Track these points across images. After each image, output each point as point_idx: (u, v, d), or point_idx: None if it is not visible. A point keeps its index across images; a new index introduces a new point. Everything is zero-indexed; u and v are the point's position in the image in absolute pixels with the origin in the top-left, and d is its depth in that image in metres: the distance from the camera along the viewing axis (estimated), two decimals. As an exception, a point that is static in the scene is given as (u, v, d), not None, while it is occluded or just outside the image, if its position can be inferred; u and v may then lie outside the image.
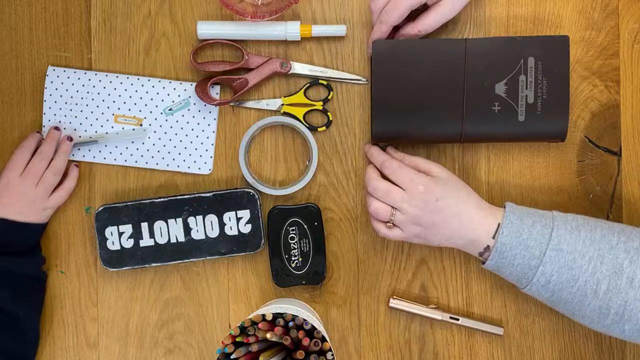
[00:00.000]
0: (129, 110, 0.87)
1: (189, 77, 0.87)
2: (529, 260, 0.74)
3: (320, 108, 0.86)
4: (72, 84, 0.87)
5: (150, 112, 0.87)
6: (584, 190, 0.86)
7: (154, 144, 0.87)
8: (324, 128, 0.86)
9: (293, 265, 0.85)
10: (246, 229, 0.85)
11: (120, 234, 0.85)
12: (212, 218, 0.85)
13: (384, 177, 0.79)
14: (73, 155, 0.87)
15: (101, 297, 0.88)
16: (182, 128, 0.87)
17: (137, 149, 0.87)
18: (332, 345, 0.86)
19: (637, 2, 0.85)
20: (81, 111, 0.87)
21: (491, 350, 0.86)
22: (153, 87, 0.87)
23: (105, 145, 0.87)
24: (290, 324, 0.75)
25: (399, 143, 0.84)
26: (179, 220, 0.85)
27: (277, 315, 0.75)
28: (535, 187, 0.86)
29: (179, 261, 0.85)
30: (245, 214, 0.84)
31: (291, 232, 0.85)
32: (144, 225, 0.85)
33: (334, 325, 0.87)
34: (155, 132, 0.87)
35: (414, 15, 0.80)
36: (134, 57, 0.87)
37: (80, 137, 0.86)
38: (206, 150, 0.86)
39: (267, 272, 0.87)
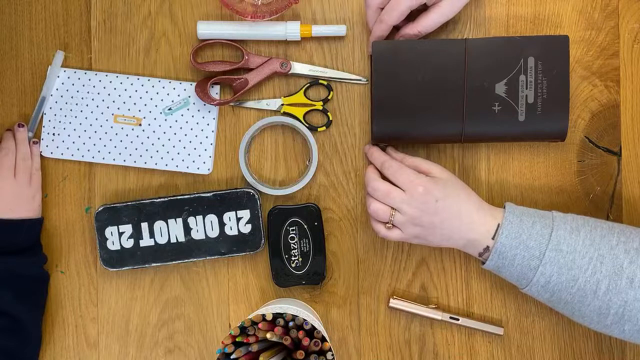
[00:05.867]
0: (129, 110, 0.87)
1: (189, 77, 0.87)
2: (528, 261, 0.74)
3: (320, 108, 0.86)
4: (72, 84, 0.87)
5: (150, 111, 0.87)
6: (584, 190, 0.86)
7: (153, 144, 0.87)
8: (324, 128, 0.86)
9: (293, 265, 0.85)
10: (246, 229, 0.85)
11: (120, 234, 0.85)
12: (212, 218, 0.85)
13: (384, 177, 0.79)
14: (72, 155, 0.87)
15: (101, 297, 0.88)
16: (181, 128, 0.87)
17: (137, 149, 0.87)
18: (332, 345, 0.86)
19: (637, 2, 0.85)
20: (81, 111, 0.87)
21: (491, 350, 0.86)
22: (153, 87, 0.87)
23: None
24: (290, 324, 0.75)
25: (399, 143, 0.84)
26: (179, 220, 0.85)
27: (277, 315, 0.75)
28: (535, 187, 0.86)
29: (179, 261, 0.85)
30: (245, 214, 0.84)
31: (291, 232, 0.85)
32: (144, 225, 0.85)
33: (334, 325, 0.87)
34: (154, 132, 0.87)
35: (414, 15, 0.80)
36: (134, 57, 0.87)
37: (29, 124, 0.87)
38: (205, 150, 0.86)
39: (267, 272, 0.87)
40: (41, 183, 0.86)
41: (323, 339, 0.74)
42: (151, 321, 0.88)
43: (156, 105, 0.87)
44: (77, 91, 0.87)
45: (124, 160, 0.87)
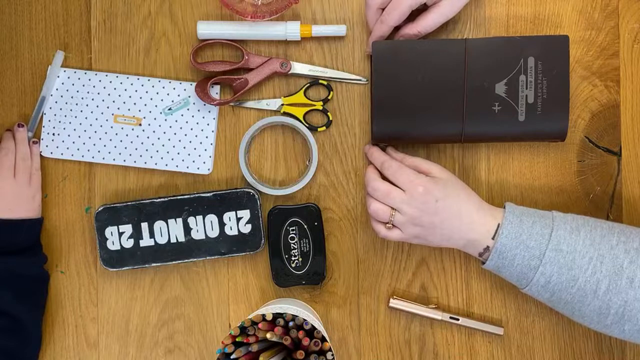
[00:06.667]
0: (129, 110, 0.87)
1: (189, 77, 0.87)
2: (528, 261, 0.74)
3: (320, 108, 0.86)
4: (72, 84, 0.87)
5: (150, 111, 0.87)
6: (584, 190, 0.86)
7: (153, 144, 0.87)
8: (324, 128, 0.86)
9: (293, 265, 0.85)
10: (246, 229, 0.85)
11: (120, 234, 0.85)
12: (212, 218, 0.85)
13: (384, 177, 0.79)
14: (72, 155, 0.87)
15: (101, 297, 0.88)
16: (181, 128, 0.87)
17: (137, 149, 0.87)
18: (332, 345, 0.86)
19: (637, 2, 0.85)
20: (81, 111, 0.87)
21: (491, 350, 0.86)
22: (153, 87, 0.87)
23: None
24: (290, 324, 0.75)
25: (399, 143, 0.84)
26: (179, 220, 0.85)
27: (277, 315, 0.75)
28: (535, 187, 0.86)
29: (179, 261, 0.85)
30: (245, 214, 0.84)
31: (291, 232, 0.85)
32: (144, 225, 0.85)
33: (334, 325, 0.87)
34: (154, 131, 0.87)
35: (414, 15, 0.80)
36: (134, 57, 0.87)
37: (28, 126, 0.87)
38: (205, 150, 0.86)
39: (267, 272, 0.87)
40: (41, 183, 0.86)
41: (323, 339, 0.74)
42: (151, 321, 0.88)
43: (156, 105, 0.87)
44: (77, 91, 0.87)
45: (124, 160, 0.87)
